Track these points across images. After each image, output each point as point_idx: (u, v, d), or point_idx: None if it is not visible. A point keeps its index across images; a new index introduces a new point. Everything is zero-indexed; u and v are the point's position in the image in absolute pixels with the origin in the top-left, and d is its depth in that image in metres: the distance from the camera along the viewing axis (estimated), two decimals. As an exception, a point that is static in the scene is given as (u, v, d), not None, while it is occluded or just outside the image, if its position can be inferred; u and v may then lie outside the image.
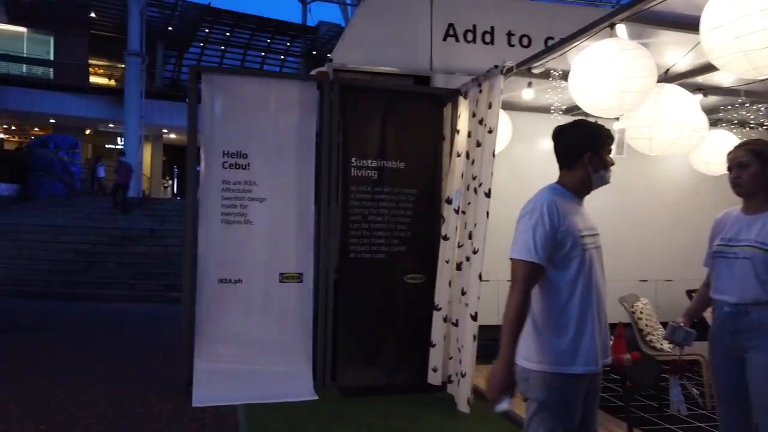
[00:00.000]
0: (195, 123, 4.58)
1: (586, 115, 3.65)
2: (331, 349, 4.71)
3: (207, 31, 29.75)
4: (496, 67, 4.20)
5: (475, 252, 4.24)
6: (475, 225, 4.26)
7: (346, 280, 4.82)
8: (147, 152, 26.63)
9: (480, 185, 4.24)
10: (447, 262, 4.64)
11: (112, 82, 28.99)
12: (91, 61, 27.96)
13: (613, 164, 2.23)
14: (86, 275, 11.04)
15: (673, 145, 3.83)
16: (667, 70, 3.93)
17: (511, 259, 2.06)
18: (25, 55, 26.26)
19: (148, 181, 26.76)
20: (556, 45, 3.59)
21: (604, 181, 2.22)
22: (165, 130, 27.32)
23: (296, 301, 4.73)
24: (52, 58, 26.85)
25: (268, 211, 4.70)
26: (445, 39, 5.52)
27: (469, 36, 5.59)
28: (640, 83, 3.16)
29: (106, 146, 29.14)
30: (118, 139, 26.72)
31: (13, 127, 27.57)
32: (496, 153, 4.16)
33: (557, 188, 2.19)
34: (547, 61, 3.87)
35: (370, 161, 4.89)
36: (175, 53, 30.69)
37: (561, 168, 2.25)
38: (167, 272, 11.26)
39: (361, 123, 4.88)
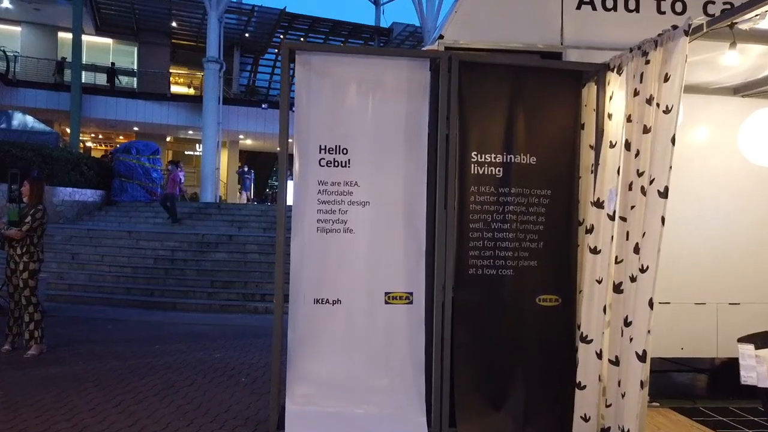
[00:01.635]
0: (287, 109, 3.85)
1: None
2: (448, 388, 3.82)
3: (282, 36, 29.82)
4: (675, 27, 3.19)
5: (644, 270, 3.24)
6: (644, 234, 3.26)
7: (464, 302, 3.92)
8: (224, 158, 26.89)
9: (651, 182, 3.24)
10: (599, 281, 3.64)
11: (192, 91, 29.60)
12: (172, 71, 28.64)
13: None
14: (165, 283, 10.73)
15: None
16: None
17: None
18: (112, 66, 27.11)
19: (224, 187, 27.04)
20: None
21: None
22: (241, 136, 27.53)
23: (405, 327, 3.88)
24: (135, 68, 27.64)
25: (371, 218, 3.88)
26: (579, 7, 4.52)
27: (609, 3, 4.57)
28: None
29: (186, 153, 29.79)
30: (197, 145, 27.17)
31: (101, 136, 28.66)
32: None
33: None
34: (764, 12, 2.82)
35: (494, 156, 3.98)
36: (252, 59, 30.99)
37: None
38: (246, 281, 10.78)
39: (483, 109, 3.98)
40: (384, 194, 3.91)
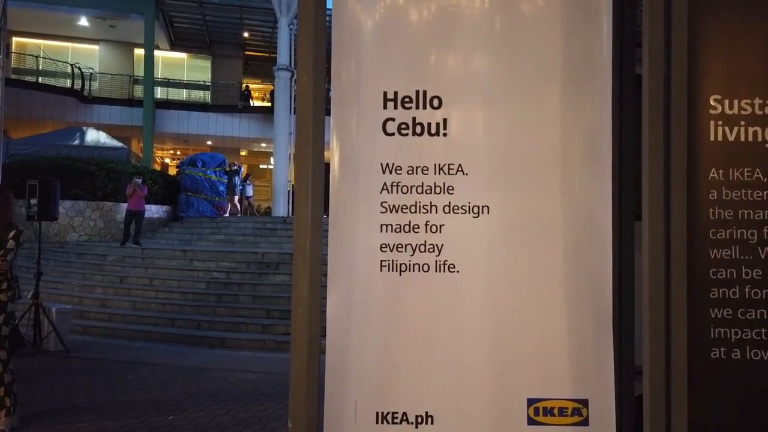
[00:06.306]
0: (321, 19, 1.91)
1: None
2: None
3: (356, 42, 28.51)
4: None
5: None
6: None
7: (707, 418, 1.80)
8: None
9: None
10: None
11: (266, 103, 28.90)
12: (244, 83, 28.05)
13: None
14: (216, 312, 9.16)
15: None
16: None
17: None
18: (185, 80, 26.89)
19: (298, 200, 25.83)
20: None
21: None
22: (314, 147, 26.33)
23: (573, 477, 1.80)
24: (209, 81, 27.24)
25: (493, 241, 1.85)
26: None
27: None
28: None
29: (261, 166, 29.07)
30: (271, 159, 26.27)
31: (178, 152, 28.46)
32: None
33: None
34: None
35: (757, 103, 1.85)
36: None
37: None
38: (309, 310, 8.98)
39: (737, 18, 1.87)
40: (520, 192, 1.87)
